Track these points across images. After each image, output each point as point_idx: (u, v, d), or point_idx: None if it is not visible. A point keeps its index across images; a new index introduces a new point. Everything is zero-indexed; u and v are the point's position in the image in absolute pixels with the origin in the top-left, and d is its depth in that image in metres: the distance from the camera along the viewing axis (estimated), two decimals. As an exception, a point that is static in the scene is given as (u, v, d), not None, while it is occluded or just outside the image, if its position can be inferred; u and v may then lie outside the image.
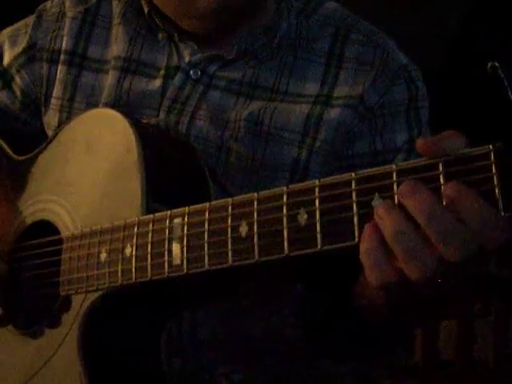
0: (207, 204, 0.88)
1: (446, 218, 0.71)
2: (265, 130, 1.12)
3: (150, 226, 0.93)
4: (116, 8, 1.25)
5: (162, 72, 1.19)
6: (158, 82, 1.18)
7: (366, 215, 0.75)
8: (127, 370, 1.02)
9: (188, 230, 0.88)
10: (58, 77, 1.24)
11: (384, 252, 0.74)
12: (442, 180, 0.71)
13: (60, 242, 1.06)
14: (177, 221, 0.90)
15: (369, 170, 0.76)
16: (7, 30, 1.32)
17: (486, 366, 2.52)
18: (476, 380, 2.52)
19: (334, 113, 1.12)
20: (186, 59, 1.18)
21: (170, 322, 1.07)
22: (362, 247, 0.75)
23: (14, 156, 1.22)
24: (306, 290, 1.15)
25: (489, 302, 2.55)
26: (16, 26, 1.32)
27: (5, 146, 1.25)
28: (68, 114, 1.22)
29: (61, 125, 1.19)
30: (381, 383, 1.18)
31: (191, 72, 1.17)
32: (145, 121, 1.15)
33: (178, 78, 1.17)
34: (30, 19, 1.30)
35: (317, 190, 0.78)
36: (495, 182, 0.68)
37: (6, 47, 1.30)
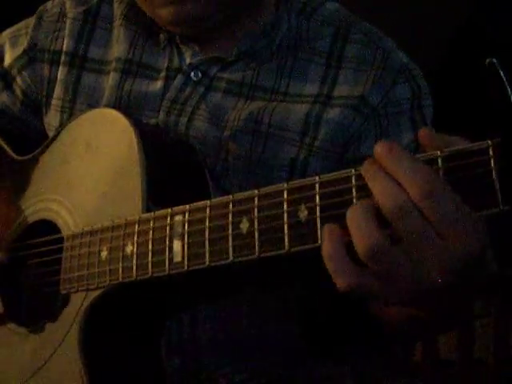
0: (208, 201, 0.88)
1: (381, 178, 0.73)
2: (264, 130, 1.12)
3: (151, 223, 0.93)
4: (117, 9, 1.25)
5: (163, 74, 1.19)
6: (159, 84, 1.18)
7: None
8: (127, 368, 1.02)
9: (189, 227, 0.89)
10: (58, 78, 1.24)
11: (346, 255, 0.74)
12: (441, 175, 0.71)
13: (61, 240, 1.06)
14: (178, 218, 0.90)
15: None
16: (8, 32, 1.33)
17: (485, 366, 2.52)
18: (476, 380, 2.52)
19: (333, 112, 1.12)
20: (187, 61, 1.18)
21: (170, 321, 1.07)
22: (324, 252, 0.75)
23: (15, 156, 1.22)
24: (306, 291, 1.15)
25: (489, 302, 2.54)
26: (16, 26, 1.32)
27: (6, 146, 1.25)
28: (69, 114, 1.22)
29: (62, 125, 1.19)
30: (381, 383, 1.17)
31: (192, 74, 1.17)
32: (145, 121, 1.16)
33: (179, 79, 1.17)
34: (31, 20, 1.30)
35: (317, 186, 0.78)
36: (494, 177, 0.68)
37: (7, 48, 1.30)
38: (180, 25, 1.15)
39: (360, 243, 0.73)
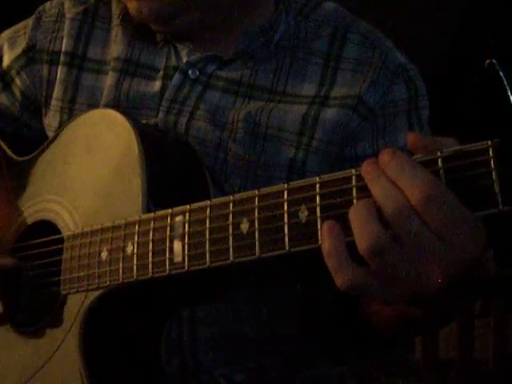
0: (208, 202, 0.88)
1: (381, 181, 0.74)
2: (262, 131, 1.12)
3: (151, 224, 0.93)
4: (115, 9, 1.25)
5: (161, 73, 1.19)
6: (157, 84, 1.18)
7: None
8: (127, 368, 1.02)
9: (189, 228, 0.89)
10: (58, 78, 1.24)
11: (346, 253, 0.75)
12: (441, 175, 0.72)
13: (61, 241, 1.06)
14: (178, 219, 0.90)
15: None
16: (6, 32, 1.33)
17: (485, 366, 2.52)
18: (476, 380, 2.52)
19: (330, 112, 1.12)
20: (184, 59, 1.18)
21: (169, 321, 1.07)
22: (324, 249, 0.75)
23: (15, 157, 1.22)
24: (306, 290, 1.15)
25: (489, 302, 2.55)
26: (15, 27, 1.32)
27: (5, 147, 1.25)
28: (69, 115, 1.22)
29: (61, 126, 1.19)
30: (381, 383, 1.17)
31: (189, 72, 1.17)
32: (144, 121, 1.16)
33: (177, 78, 1.17)
34: (29, 21, 1.30)
35: (317, 186, 0.78)
36: (494, 177, 0.68)
37: (6, 49, 1.30)
38: (147, 21, 1.16)
39: (362, 240, 0.74)
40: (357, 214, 0.74)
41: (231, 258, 0.84)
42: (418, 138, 0.75)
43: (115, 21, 1.24)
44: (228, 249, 0.84)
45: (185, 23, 1.15)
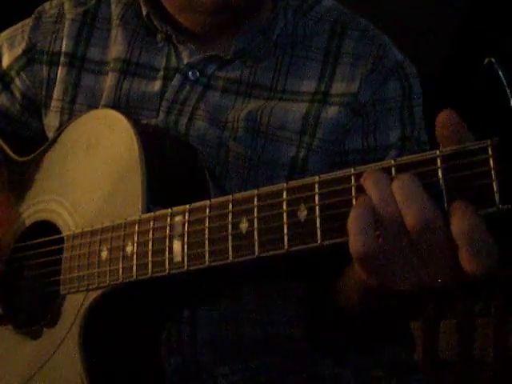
0: (207, 201, 0.88)
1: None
2: (263, 130, 1.12)
3: (151, 223, 0.93)
4: (115, 10, 1.26)
5: (161, 73, 1.19)
6: (157, 84, 1.19)
7: None
8: (127, 369, 1.02)
9: (189, 228, 0.89)
10: (58, 79, 1.24)
11: (372, 219, 0.75)
12: (440, 174, 0.72)
13: (61, 241, 1.06)
14: (177, 218, 0.91)
15: (368, 165, 0.77)
16: (5, 33, 1.33)
17: (485, 365, 2.52)
18: (476, 380, 2.52)
19: (331, 111, 1.13)
20: (185, 60, 1.18)
21: (169, 321, 1.07)
22: (352, 213, 0.75)
23: (15, 157, 1.23)
24: (306, 290, 1.15)
25: (489, 302, 2.55)
26: (14, 27, 1.32)
27: (6, 147, 1.25)
28: (69, 115, 1.22)
29: (61, 126, 1.19)
30: (381, 383, 1.18)
31: (189, 73, 1.17)
32: (144, 121, 1.16)
33: (177, 79, 1.18)
34: (29, 21, 1.30)
35: (316, 186, 0.79)
36: (493, 176, 0.69)
37: (5, 49, 1.30)
38: (219, 11, 1.13)
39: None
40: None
41: (230, 258, 0.84)
42: (450, 116, 0.73)
43: (115, 21, 1.25)
44: (227, 248, 0.85)
45: (234, 16, 1.15)
